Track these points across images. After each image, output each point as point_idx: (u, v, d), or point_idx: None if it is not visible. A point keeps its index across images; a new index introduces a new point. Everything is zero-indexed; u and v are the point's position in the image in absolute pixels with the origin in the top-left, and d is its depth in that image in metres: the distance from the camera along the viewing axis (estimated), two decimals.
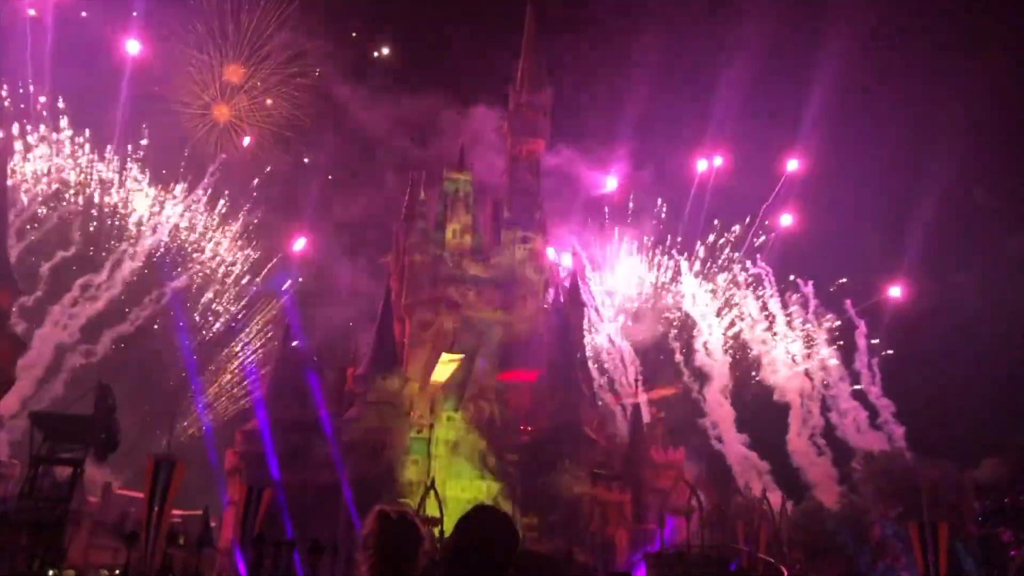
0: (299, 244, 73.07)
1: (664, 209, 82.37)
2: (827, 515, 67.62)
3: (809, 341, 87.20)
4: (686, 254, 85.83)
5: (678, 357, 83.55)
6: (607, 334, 77.43)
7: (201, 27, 71.72)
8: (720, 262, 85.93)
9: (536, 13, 67.66)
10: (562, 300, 60.83)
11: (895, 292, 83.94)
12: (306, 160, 79.37)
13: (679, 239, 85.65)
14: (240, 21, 72.30)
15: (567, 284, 62.80)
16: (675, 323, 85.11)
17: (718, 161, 79.20)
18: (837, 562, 61.34)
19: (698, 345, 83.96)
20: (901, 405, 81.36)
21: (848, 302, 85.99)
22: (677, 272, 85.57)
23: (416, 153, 67.80)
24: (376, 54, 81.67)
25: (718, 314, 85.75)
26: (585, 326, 62.94)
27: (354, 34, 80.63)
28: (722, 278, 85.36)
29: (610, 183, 75.80)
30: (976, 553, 54.68)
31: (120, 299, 71.34)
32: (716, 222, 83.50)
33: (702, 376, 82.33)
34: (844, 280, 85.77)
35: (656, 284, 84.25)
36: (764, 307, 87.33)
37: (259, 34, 72.78)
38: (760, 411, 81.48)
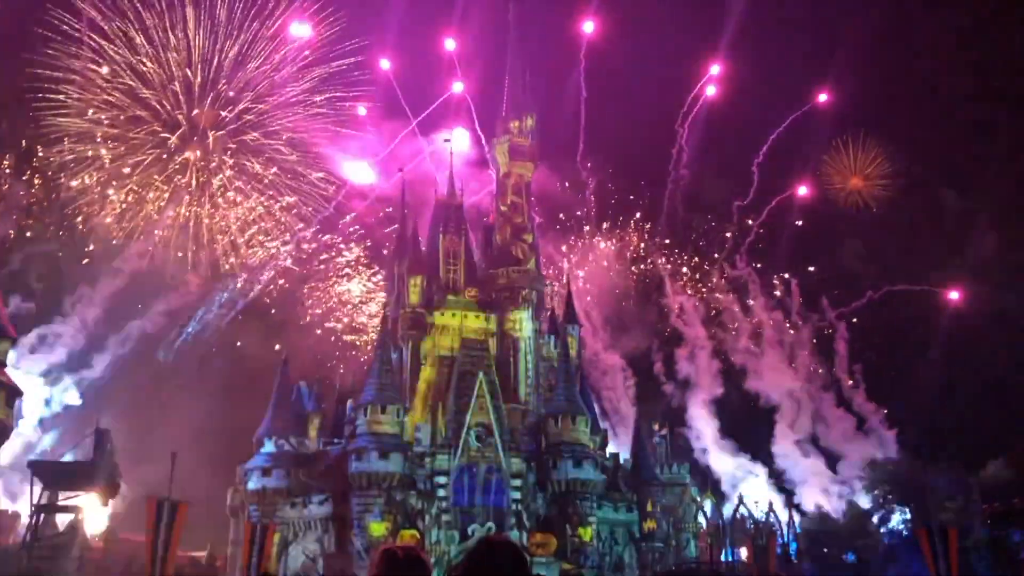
0: None
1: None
2: (835, 526, 67.42)
3: (792, 345, 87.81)
4: (669, 259, 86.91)
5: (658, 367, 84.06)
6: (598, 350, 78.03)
7: None
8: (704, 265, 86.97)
9: (519, 40, 68.37)
10: (558, 319, 60.90)
11: None
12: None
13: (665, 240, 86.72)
14: None
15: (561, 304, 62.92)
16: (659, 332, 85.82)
17: None
18: (851, 572, 61.08)
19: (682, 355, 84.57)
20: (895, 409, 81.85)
21: (825, 303, 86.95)
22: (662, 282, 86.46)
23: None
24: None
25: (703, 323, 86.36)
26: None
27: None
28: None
29: None
30: (986, 556, 54.39)
31: None
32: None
33: (686, 385, 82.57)
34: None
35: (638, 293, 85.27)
36: (747, 309, 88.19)
37: None
38: (746, 417, 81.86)
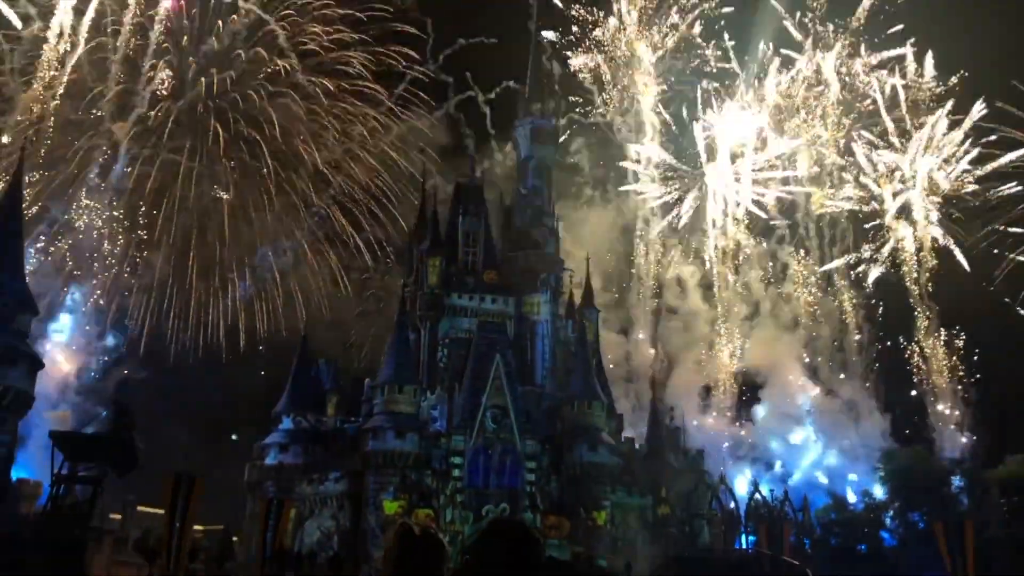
0: None
1: None
2: (850, 516, 67.14)
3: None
4: None
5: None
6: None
7: None
8: None
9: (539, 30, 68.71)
10: (576, 304, 60.80)
11: None
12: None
13: None
14: None
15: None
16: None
17: None
18: (865, 562, 60.86)
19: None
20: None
21: None
22: None
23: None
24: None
25: None
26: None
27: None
28: None
29: None
30: (1004, 553, 54.03)
31: None
32: None
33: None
34: None
35: None
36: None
37: None
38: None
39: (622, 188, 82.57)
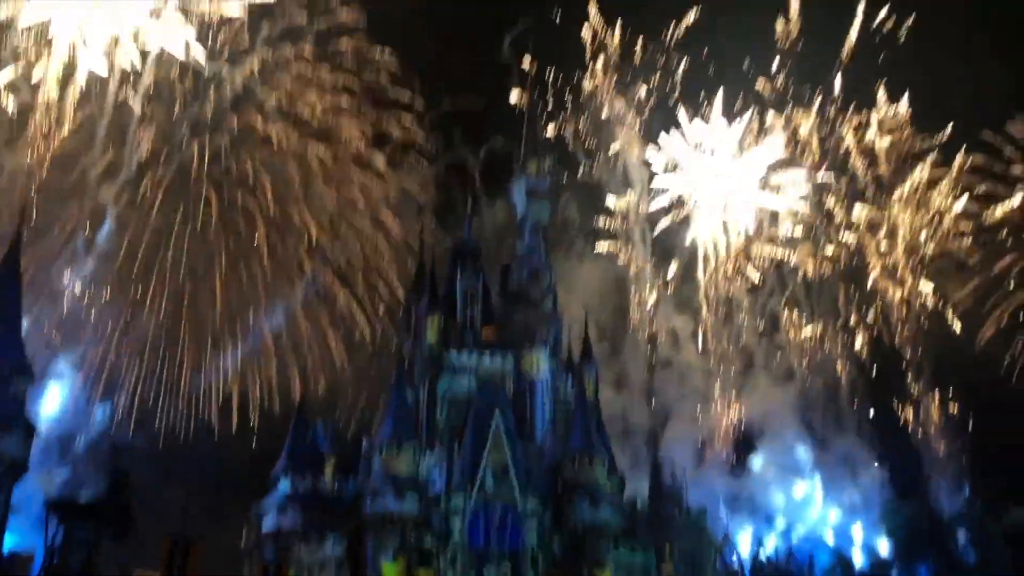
0: None
1: None
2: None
3: None
4: None
5: None
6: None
7: None
8: None
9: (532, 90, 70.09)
10: (575, 359, 60.73)
11: None
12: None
13: None
14: None
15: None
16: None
17: None
18: None
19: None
20: None
21: None
22: None
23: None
24: None
25: None
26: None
27: None
28: None
29: None
30: None
31: None
32: None
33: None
34: None
35: None
36: None
37: None
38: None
39: (599, 246, 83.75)
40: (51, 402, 65.56)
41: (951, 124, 79.52)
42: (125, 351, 72.16)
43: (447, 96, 78.41)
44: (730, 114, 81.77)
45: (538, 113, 78.66)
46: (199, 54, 69.43)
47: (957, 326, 79.41)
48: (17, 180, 68.07)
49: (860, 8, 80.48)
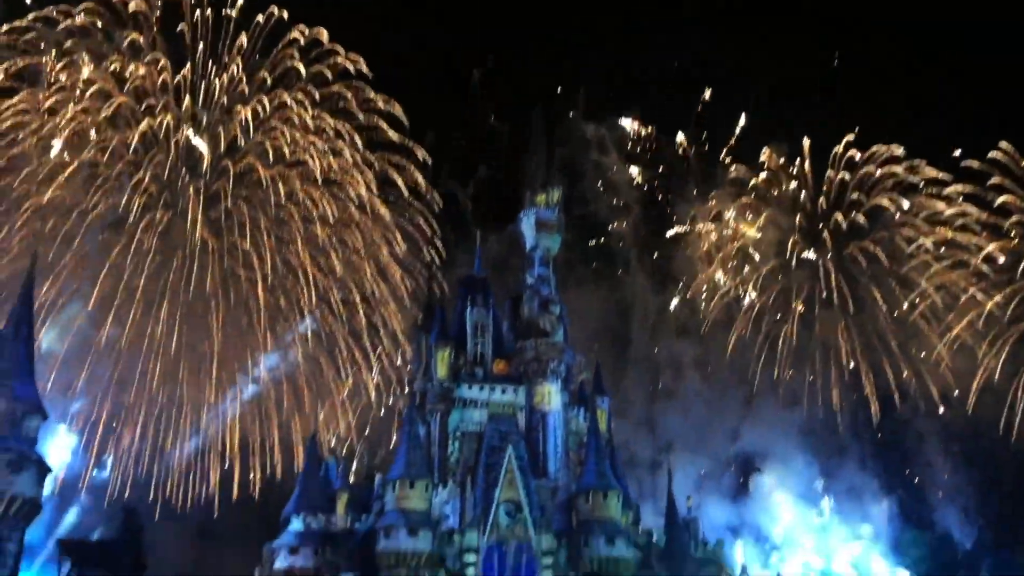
0: None
1: None
2: None
3: None
4: None
5: None
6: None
7: None
8: None
9: (544, 117, 70.42)
10: (587, 391, 60.34)
11: None
12: None
13: None
14: None
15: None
16: None
17: None
18: None
19: None
20: None
21: None
22: None
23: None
24: None
25: None
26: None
27: None
28: None
29: None
30: None
31: None
32: None
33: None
34: None
35: None
36: None
37: None
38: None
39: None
40: (62, 443, 65.78)
41: None
42: (127, 399, 72.25)
43: (455, 132, 79.61)
44: None
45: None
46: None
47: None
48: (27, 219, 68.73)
49: None
